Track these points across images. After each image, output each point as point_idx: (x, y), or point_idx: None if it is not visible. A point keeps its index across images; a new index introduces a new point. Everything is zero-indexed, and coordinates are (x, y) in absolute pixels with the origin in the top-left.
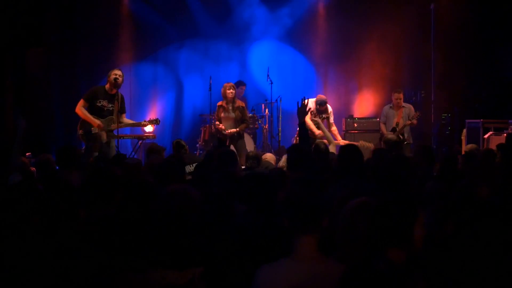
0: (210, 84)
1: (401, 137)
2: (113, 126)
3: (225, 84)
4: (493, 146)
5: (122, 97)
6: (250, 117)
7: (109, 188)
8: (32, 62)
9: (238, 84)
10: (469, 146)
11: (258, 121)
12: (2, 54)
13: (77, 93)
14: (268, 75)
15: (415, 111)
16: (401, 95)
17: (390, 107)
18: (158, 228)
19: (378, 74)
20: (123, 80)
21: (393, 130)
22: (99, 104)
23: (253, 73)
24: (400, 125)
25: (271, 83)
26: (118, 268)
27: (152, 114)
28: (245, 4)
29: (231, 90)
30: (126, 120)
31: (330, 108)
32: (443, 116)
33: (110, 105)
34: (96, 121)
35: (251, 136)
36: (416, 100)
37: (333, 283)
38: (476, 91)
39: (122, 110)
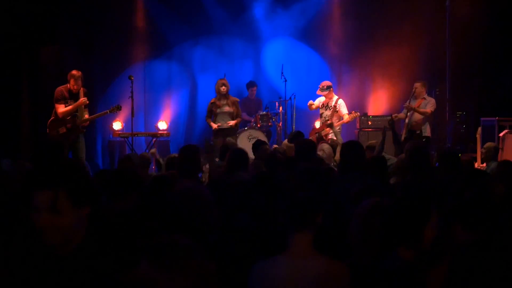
0: None
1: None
2: (79, 121)
3: (218, 81)
4: (508, 144)
5: (87, 92)
6: (264, 114)
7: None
8: (46, 60)
9: (250, 85)
10: (488, 144)
11: (272, 118)
12: (17, 52)
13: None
14: (282, 73)
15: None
16: (417, 85)
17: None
18: (169, 223)
19: (393, 72)
20: (82, 82)
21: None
22: (66, 105)
23: (267, 70)
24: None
25: (285, 80)
26: (127, 263)
27: (166, 112)
28: (260, 1)
29: (223, 87)
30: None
31: (340, 101)
32: (458, 114)
33: None
34: (80, 100)
35: (265, 134)
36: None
37: (327, 280)
38: (491, 89)
39: (86, 105)
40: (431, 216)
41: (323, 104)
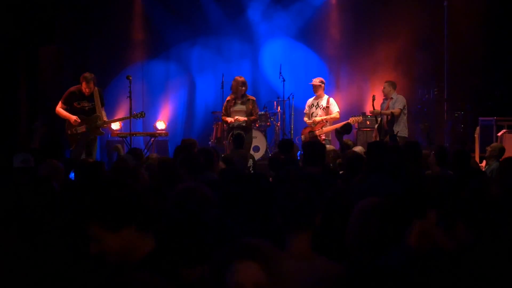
0: (223, 81)
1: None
2: (100, 122)
3: (237, 79)
4: (506, 144)
5: (101, 91)
6: (262, 114)
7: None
8: (44, 60)
9: None
10: (494, 144)
11: (270, 118)
12: (15, 51)
13: None
14: (280, 73)
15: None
16: (385, 85)
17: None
18: (170, 224)
19: (391, 72)
20: (94, 84)
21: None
22: (79, 106)
23: (265, 70)
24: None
25: (284, 80)
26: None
27: (164, 112)
28: (257, 1)
29: (243, 87)
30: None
31: (331, 100)
32: (456, 113)
33: (91, 104)
34: (72, 116)
35: (263, 133)
36: (429, 98)
37: (324, 281)
38: (489, 89)
39: (102, 104)
40: (428, 215)
41: (312, 103)
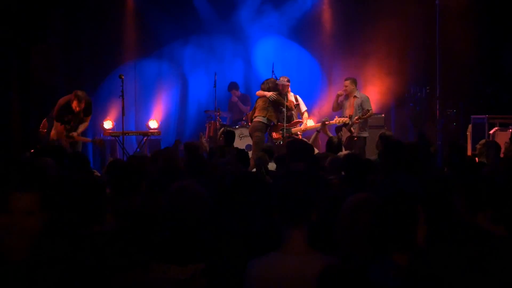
0: (215, 80)
1: (353, 130)
2: (75, 135)
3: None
4: (498, 141)
5: (90, 102)
6: None
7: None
8: (36, 60)
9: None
10: (483, 141)
11: None
12: (7, 51)
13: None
14: (273, 71)
15: (366, 108)
16: (347, 82)
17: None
18: (163, 222)
19: (383, 70)
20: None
21: (345, 124)
22: (66, 119)
23: (258, 69)
24: (354, 119)
25: (276, 79)
26: (122, 261)
27: (157, 110)
28: (250, 0)
29: None
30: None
31: (299, 97)
32: (448, 111)
33: (71, 115)
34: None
35: None
36: (421, 96)
37: None
38: (481, 87)
39: (87, 113)
40: (420, 214)
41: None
